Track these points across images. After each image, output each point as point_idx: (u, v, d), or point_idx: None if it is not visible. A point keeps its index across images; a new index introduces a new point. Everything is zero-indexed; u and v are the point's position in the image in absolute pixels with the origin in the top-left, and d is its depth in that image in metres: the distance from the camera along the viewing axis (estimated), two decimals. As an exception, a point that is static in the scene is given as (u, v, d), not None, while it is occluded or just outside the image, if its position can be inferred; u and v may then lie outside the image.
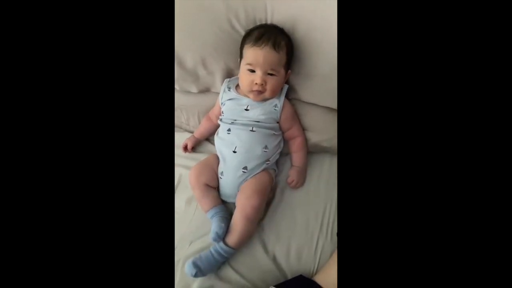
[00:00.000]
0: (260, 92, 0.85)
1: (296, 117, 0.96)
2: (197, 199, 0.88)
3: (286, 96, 0.92)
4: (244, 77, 0.85)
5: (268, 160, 0.88)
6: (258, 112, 0.88)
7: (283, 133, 0.94)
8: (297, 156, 0.94)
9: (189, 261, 0.76)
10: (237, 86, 0.93)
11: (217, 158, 0.91)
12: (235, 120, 0.89)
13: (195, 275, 0.75)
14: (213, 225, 0.80)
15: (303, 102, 0.96)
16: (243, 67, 0.85)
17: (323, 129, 0.96)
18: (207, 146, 1.02)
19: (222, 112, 0.93)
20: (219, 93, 0.97)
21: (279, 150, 0.93)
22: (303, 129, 0.97)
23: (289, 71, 0.89)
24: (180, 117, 1.06)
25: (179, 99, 1.02)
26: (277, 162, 0.94)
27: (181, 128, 1.08)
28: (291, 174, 0.92)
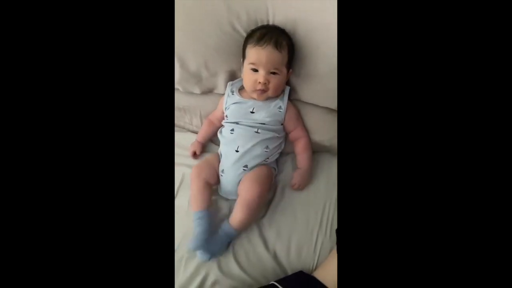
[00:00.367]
0: (263, 91, 0.87)
1: (300, 118, 0.97)
2: (191, 194, 0.87)
3: (288, 97, 0.93)
4: (248, 77, 0.87)
5: (267, 158, 0.90)
6: (263, 114, 0.89)
7: (287, 134, 0.96)
8: (301, 158, 0.95)
9: (200, 248, 0.78)
10: (240, 89, 0.95)
11: (218, 157, 0.93)
12: (240, 121, 0.91)
13: (210, 258, 0.79)
14: (194, 235, 0.80)
15: (304, 102, 0.97)
16: (246, 66, 0.86)
17: (323, 129, 0.97)
18: (210, 146, 1.04)
19: (226, 116, 0.94)
20: (221, 94, 0.98)
21: (279, 151, 0.94)
22: (304, 129, 0.97)
23: (291, 70, 0.90)
24: (183, 118, 1.07)
25: (183, 100, 1.03)
26: (277, 162, 0.96)
27: (184, 128, 1.09)
28: (295, 177, 0.93)
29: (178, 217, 0.85)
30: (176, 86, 1.00)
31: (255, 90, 0.87)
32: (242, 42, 0.88)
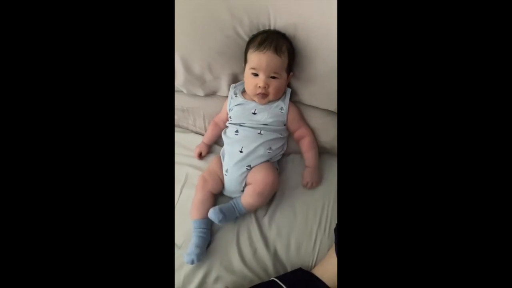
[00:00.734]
0: (264, 95, 0.89)
1: (303, 118, 0.98)
2: (193, 203, 0.89)
3: (289, 99, 0.95)
4: (249, 81, 0.89)
5: (270, 159, 0.92)
6: (265, 115, 0.91)
7: (291, 134, 0.97)
8: (308, 156, 0.96)
9: (215, 208, 0.82)
10: (243, 91, 0.96)
11: (220, 161, 0.94)
12: (244, 123, 0.92)
13: (220, 221, 0.82)
14: (190, 245, 0.82)
15: (304, 104, 0.99)
16: (248, 71, 0.88)
17: (324, 130, 0.99)
18: (214, 147, 1.05)
19: (230, 118, 0.96)
20: (224, 96, 1.00)
21: (281, 152, 0.96)
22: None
23: (291, 73, 0.91)
24: (187, 119, 1.09)
25: (187, 102, 1.05)
26: (278, 162, 0.97)
27: (187, 129, 1.11)
28: (305, 176, 0.94)
29: (182, 215, 0.88)
30: (181, 88, 1.02)
31: (256, 94, 0.89)
32: (244, 46, 0.90)
